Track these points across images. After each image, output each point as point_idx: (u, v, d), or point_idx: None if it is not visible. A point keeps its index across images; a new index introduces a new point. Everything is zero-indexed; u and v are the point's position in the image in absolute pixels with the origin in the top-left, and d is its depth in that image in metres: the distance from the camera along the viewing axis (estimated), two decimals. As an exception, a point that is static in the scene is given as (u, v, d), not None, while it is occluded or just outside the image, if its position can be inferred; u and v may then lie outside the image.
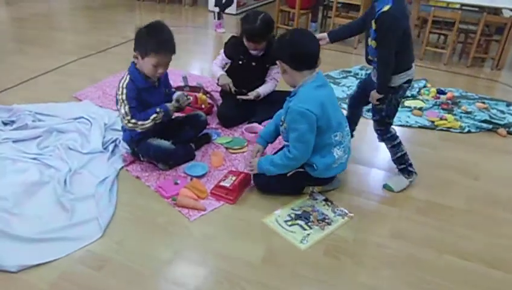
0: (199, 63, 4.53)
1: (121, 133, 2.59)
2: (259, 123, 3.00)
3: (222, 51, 3.05)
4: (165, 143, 2.42)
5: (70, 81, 3.67)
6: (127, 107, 2.26)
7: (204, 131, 2.77)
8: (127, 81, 2.29)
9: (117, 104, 2.30)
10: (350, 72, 4.37)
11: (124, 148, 2.62)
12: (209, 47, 5.17)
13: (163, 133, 2.50)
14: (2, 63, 4.02)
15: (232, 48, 2.98)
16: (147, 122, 2.29)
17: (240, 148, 2.72)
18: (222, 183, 2.30)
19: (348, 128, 2.32)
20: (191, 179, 2.38)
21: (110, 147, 2.65)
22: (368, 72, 4.31)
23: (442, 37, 5.55)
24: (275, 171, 2.22)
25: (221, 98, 3.24)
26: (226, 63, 3.05)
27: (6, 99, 3.25)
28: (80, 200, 2.18)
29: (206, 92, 3.21)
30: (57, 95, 3.36)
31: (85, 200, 2.19)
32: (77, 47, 4.61)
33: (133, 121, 2.27)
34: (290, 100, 2.17)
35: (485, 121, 3.39)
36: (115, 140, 2.70)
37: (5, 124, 2.83)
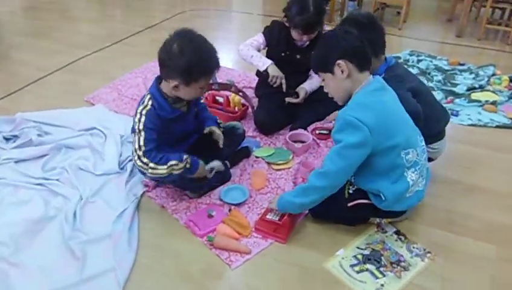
0: (226, 53, 3.99)
1: None
2: (305, 128, 2.50)
3: (261, 34, 2.51)
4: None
5: (81, 81, 3.22)
6: (141, 139, 1.74)
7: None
8: (148, 108, 1.77)
9: (132, 132, 1.81)
10: (399, 58, 3.78)
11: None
12: (235, 33, 4.63)
13: (191, 152, 2.03)
14: (8, 62, 3.59)
15: (276, 36, 2.44)
16: (161, 167, 1.74)
17: (284, 163, 2.23)
18: (269, 217, 1.82)
19: (423, 143, 1.78)
20: (230, 210, 1.91)
21: (128, 167, 2.19)
22: (420, 57, 3.82)
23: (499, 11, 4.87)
24: (300, 202, 1.71)
25: (257, 97, 2.73)
26: (259, 50, 2.51)
27: (10, 106, 2.83)
28: (93, 243, 1.74)
29: (238, 90, 2.70)
30: (67, 99, 2.92)
31: (99, 242, 1.75)
32: (90, 39, 4.15)
33: (145, 160, 1.73)
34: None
35: None
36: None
37: (6, 139, 2.40)
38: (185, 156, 1.80)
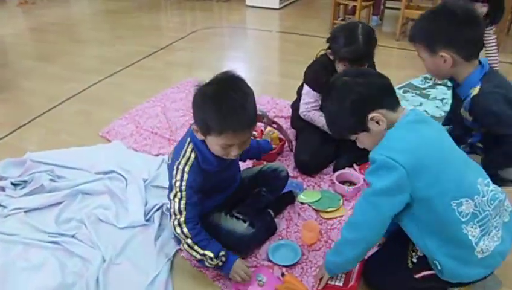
0: (246, 73, 3.73)
1: (166, 193, 1.79)
2: (350, 165, 2.21)
3: (308, 89, 2.20)
4: (241, 227, 1.65)
5: (95, 111, 2.94)
6: (182, 202, 1.48)
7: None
8: (191, 162, 1.49)
9: (169, 190, 1.53)
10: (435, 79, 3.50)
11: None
12: (253, 51, 4.36)
13: (229, 202, 1.75)
14: (15, 90, 3.33)
15: (322, 79, 2.11)
16: (197, 249, 1.50)
17: (335, 210, 1.93)
18: (331, 283, 1.52)
19: (491, 187, 1.36)
20: (282, 274, 1.61)
21: (156, 218, 1.90)
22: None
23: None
24: (335, 260, 1.45)
25: (295, 130, 2.44)
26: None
27: (18, 142, 2.56)
28: (121, 321, 1.45)
29: (272, 122, 2.42)
30: (80, 134, 2.64)
31: (129, 320, 1.46)
32: (100, 62, 3.88)
33: (185, 231, 1.49)
34: None
35: None
36: (161, 206, 1.95)
37: (15, 185, 2.12)
38: (222, 253, 1.51)
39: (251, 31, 5.00)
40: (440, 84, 3.37)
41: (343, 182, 2.09)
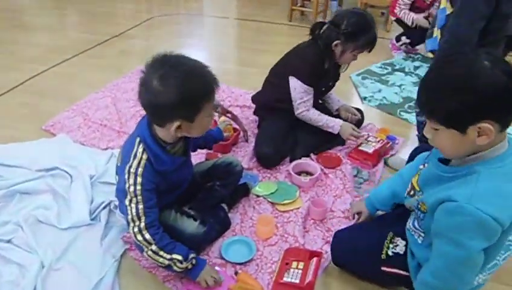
0: (202, 61, 3.58)
1: (114, 190, 1.61)
2: (307, 155, 2.16)
3: (299, 83, 2.06)
4: (191, 225, 1.55)
5: (39, 103, 2.75)
6: (140, 207, 1.35)
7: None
8: (143, 164, 1.36)
9: (123, 196, 1.38)
10: (394, 65, 3.50)
11: (123, 217, 1.74)
12: (210, 38, 4.22)
13: (183, 199, 1.66)
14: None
15: (317, 74, 2.08)
16: (163, 255, 1.38)
17: (291, 202, 1.87)
18: (287, 279, 1.46)
19: None
20: (236, 273, 1.53)
21: (103, 216, 1.78)
22: (415, 63, 3.56)
23: None
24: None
25: (258, 117, 2.39)
26: None
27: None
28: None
29: (226, 111, 2.33)
30: (22, 127, 2.45)
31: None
32: (47, 51, 3.65)
33: (148, 237, 1.36)
34: (448, 182, 1.14)
35: None
36: (109, 203, 1.83)
37: None
38: (191, 255, 1.42)
39: (208, 18, 4.86)
40: (398, 71, 3.38)
41: (299, 173, 2.03)
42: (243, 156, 2.16)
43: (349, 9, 2.08)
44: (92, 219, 1.77)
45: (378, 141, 2.24)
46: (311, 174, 2.02)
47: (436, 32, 1.80)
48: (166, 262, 1.38)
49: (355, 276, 1.54)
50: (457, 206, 1.04)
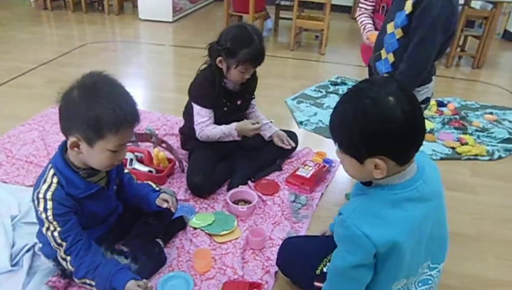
0: (140, 91, 3.51)
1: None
2: (244, 183, 2.14)
3: (198, 107, 2.06)
4: (120, 261, 1.47)
5: (-43, 139, 2.54)
6: (56, 233, 1.32)
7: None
8: (53, 188, 1.31)
9: (41, 224, 1.35)
10: (328, 87, 3.60)
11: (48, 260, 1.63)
12: (146, 66, 4.14)
13: (114, 234, 1.57)
14: None
15: (211, 94, 2.04)
16: (87, 281, 1.38)
17: (229, 233, 1.83)
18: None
19: (429, 272, 1.23)
20: (171, 313, 1.46)
21: (26, 261, 1.63)
22: (349, 84, 3.66)
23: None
24: None
25: (187, 151, 2.31)
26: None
27: None
28: None
29: (161, 141, 2.27)
30: None
31: None
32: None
33: (69, 263, 1.37)
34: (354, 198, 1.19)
35: (508, 140, 2.81)
36: (33, 246, 1.70)
37: None
38: (111, 272, 1.37)
39: (144, 45, 4.78)
40: (331, 93, 3.48)
41: (237, 201, 2.00)
42: (178, 187, 2.11)
43: (234, 23, 2.11)
44: (13, 265, 1.62)
45: (315, 165, 2.27)
46: (249, 202, 2.00)
47: (385, 55, 1.86)
48: (88, 282, 1.38)
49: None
50: (341, 219, 1.09)
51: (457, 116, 3.11)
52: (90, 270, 1.36)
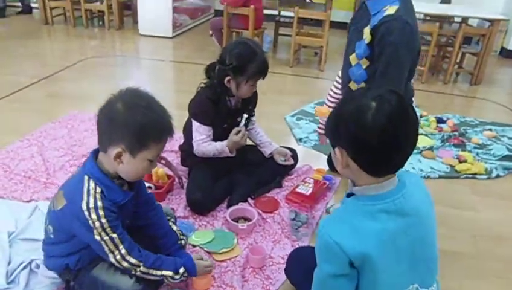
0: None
1: (38, 246, 1.58)
2: (244, 200, 2.13)
3: (197, 124, 2.07)
4: (126, 283, 1.43)
5: (-45, 154, 2.53)
6: (114, 235, 1.35)
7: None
8: (99, 195, 1.33)
9: (93, 234, 1.33)
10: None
11: (46, 277, 1.61)
12: (146, 81, 4.16)
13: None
14: None
15: (211, 112, 2.05)
16: (152, 272, 1.43)
17: (229, 250, 1.82)
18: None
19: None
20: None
21: (22, 278, 1.62)
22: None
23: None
24: None
25: (186, 167, 2.31)
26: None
27: None
28: None
29: (160, 158, 2.26)
30: None
31: None
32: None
33: (133, 261, 1.39)
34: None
35: (507, 158, 2.81)
36: (29, 263, 1.68)
37: None
38: (181, 269, 1.48)
39: (144, 61, 4.81)
40: (331, 111, 3.48)
41: (237, 219, 1.99)
42: (178, 203, 2.10)
43: (233, 41, 2.13)
44: (9, 282, 1.60)
45: (315, 182, 2.27)
46: (249, 219, 1.99)
47: (356, 87, 1.84)
48: (158, 278, 1.44)
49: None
50: (319, 229, 1.11)
51: (456, 133, 3.12)
52: (158, 259, 1.44)
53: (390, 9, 1.55)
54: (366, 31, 1.65)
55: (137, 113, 1.29)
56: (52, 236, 1.46)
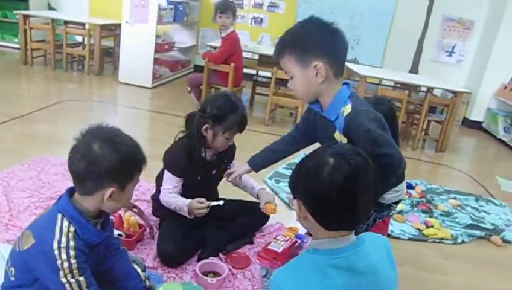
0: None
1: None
2: (216, 255, 2.10)
3: (169, 174, 2.06)
4: None
5: None
6: (81, 278, 1.30)
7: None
8: (71, 234, 1.30)
9: (58, 276, 1.27)
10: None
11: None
12: (121, 128, 4.13)
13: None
14: None
15: (184, 163, 2.04)
16: None
17: (197, 306, 1.77)
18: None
19: None
20: None
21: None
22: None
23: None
24: None
25: (158, 218, 2.28)
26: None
27: None
28: None
29: (132, 206, 2.23)
30: None
31: None
32: None
33: None
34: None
35: (471, 226, 2.91)
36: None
37: None
38: None
39: (121, 108, 4.82)
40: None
41: (206, 273, 1.95)
42: (147, 254, 2.04)
43: (217, 93, 2.19)
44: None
45: (287, 240, 2.26)
46: (218, 274, 1.95)
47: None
48: None
49: None
50: (271, 278, 1.14)
51: (424, 200, 3.21)
52: None
53: (347, 109, 1.53)
54: (337, 135, 1.60)
55: (117, 150, 1.32)
56: (13, 279, 1.37)
